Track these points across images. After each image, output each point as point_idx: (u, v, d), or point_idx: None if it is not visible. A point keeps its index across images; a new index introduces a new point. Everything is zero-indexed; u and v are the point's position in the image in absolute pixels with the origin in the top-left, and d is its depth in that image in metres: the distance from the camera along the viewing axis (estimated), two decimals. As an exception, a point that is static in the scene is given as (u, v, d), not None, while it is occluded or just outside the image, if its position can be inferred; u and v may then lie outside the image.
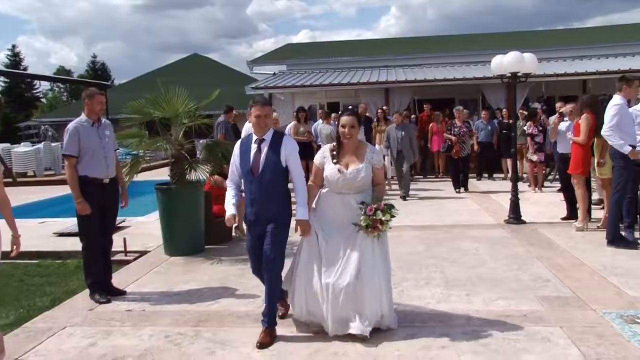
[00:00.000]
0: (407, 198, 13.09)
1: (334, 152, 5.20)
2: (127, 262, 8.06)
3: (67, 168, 6.42)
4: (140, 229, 10.35)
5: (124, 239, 8.44)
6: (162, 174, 11.42)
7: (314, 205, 5.29)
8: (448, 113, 16.62)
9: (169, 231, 8.28)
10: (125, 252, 8.32)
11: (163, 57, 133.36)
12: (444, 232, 9.30)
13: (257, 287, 5.85)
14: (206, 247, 8.58)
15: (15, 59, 59.18)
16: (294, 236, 5.25)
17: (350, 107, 5.56)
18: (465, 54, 22.89)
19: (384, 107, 16.13)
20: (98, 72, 62.73)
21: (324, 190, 5.28)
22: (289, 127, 13.97)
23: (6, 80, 53.23)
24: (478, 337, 4.93)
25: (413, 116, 17.50)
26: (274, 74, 22.66)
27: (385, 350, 4.72)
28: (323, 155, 5.29)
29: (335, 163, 5.13)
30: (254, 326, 5.20)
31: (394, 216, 4.89)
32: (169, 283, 6.91)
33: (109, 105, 24.92)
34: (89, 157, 6.27)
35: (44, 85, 60.20)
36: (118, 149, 6.77)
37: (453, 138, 13.60)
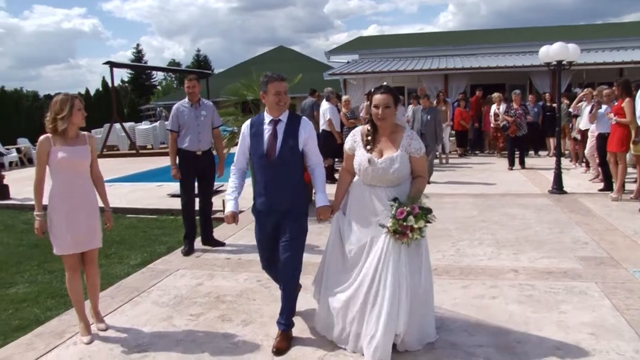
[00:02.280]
0: (431, 182, 10.94)
1: (368, 137, 3.81)
2: (220, 219, 8.20)
3: (169, 141, 6.67)
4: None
5: (223, 201, 8.62)
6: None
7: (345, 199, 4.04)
8: (506, 96, 16.17)
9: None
10: (224, 211, 8.51)
11: (253, 49, 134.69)
12: (495, 200, 9.07)
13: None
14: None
15: (138, 55, 61.47)
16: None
17: (384, 83, 3.99)
18: (514, 45, 22.04)
19: (442, 90, 15.80)
20: (201, 63, 63.85)
21: (355, 180, 3.95)
22: (362, 107, 14.05)
23: (131, 72, 55.27)
24: (523, 289, 4.85)
25: (457, 99, 17.06)
26: (348, 62, 22.46)
27: (442, 297, 4.69)
28: (354, 140, 3.90)
29: (367, 150, 3.78)
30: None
31: (429, 222, 3.59)
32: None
33: (210, 90, 25.55)
34: (185, 132, 6.43)
35: (159, 75, 62.00)
36: (219, 126, 6.87)
37: (509, 119, 13.08)
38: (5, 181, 11.21)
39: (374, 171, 3.71)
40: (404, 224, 3.48)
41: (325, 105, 12.02)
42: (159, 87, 62.86)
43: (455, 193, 9.77)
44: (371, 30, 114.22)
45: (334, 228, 3.96)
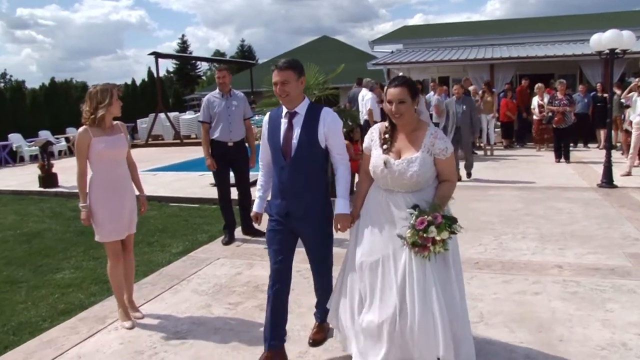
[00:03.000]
0: (471, 176, 10.41)
1: (386, 136, 3.31)
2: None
3: (201, 132, 6.71)
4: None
5: None
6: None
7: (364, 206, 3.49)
8: (553, 86, 15.72)
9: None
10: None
11: (297, 39, 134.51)
12: (540, 193, 8.84)
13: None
14: (333, 198, 8.63)
15: (183, 46, 62.41)
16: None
17: (400, 74, 3.39)
18: (564, 33, 21.31)
19: (488, 80, 15.47)
20: (245, 53, 64.37)
21: (374, 184, 3.42)
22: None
23: (177, 62, 56.22)
24: (568, 286, 4.71)
25: (499, 89, 16.65)
26: (392, 52, 22.21)
27: (483, 292, 4.61)
28: (371, 138, 3.41)
29: (384, 150, 3.29)
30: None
31: (455, 233, 3.08)
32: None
33: (253, 80, 25.73)
34: (216, 123, 6.44)
35: (204, 66, 62.69)
36: (251, 117, 6.88)
37: (554, 109, 12.67)
38: (54, 169, 11.57)
39: (390, 174, 3.21)
40: (425, 235, 2.98)
41: (368, 95, 11.95)
42: (203, 78, 63.68)
43: (499, 185, 9.57)
44: (416, 20, 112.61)
45: (353, 238, 3.48)
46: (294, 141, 3.46)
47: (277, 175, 3.54)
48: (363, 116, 11.77)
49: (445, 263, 3.16)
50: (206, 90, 39.08)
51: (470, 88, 14.52)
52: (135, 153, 19.03)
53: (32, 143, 17.48)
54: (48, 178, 11.33)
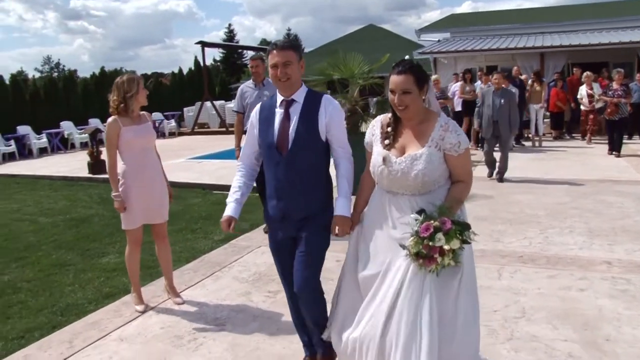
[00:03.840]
0: (504, 179, 9.17)
1: (388, 129, 2.88)
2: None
3: (235, 122, 6.68)
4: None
5: None
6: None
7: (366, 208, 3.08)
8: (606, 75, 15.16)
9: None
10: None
11: (343, 28, 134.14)
12: (590, 186, 8.54)
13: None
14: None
15: (230, 35, 62.97)
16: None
17: (406, 57, 2.73)
18: (619, 19, 20.45)
19: (537, 70, 15.02)
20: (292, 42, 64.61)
21: (377, 185, 2.99)
22: (455, 87, 13.75)
23: (223, 51, 56.85)
24: (616, 283, 4.54)
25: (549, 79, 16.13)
26: (439, 40, 21.84)
27: (526, 286, 4.50)
28: (372, 132, 2.99)
29: (385, 145, 2.85)
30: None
31: (467, 242, 2.60)
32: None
33: (299, 69, 25.75)
34: (248, 113, 6.35)
35: (250, 54, 63.35)
36: None
37: (607, 99, 12.18)
38: (102, 156, 11.89)
39: (390, 174, 2.77)
40: (430, 244, 2.52)
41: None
42: (249, 67, 64.32)
43: (546, 178, 9.30)
44: (465, 8, 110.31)
45: (351, 248, 3.08)
46: (291, 132, 3.03)
47: (272, 172, 3.10)
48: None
49: (452, 272, 2.66)
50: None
51: (522, 77, 14.17)
52: (181, 141, 19.45)
53: (82, 130, 18.02)
54: (96, 165, 11.65)
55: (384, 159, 2.80)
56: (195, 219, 7.34)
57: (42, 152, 17.57)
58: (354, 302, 2.96)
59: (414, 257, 2.59)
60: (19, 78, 21.01)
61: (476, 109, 10.06)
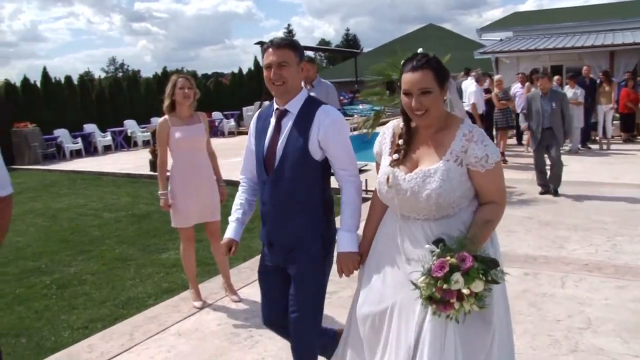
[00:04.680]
0: (559, 192, 8.08)
1: (399, 141, 2.38)
2: (369, 199, 8.27)
3: None
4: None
5: (366, 180, 8.79)
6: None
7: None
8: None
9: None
10: (366, 190, 8.64)
11: (402, 28, 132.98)
12: (662, 192, 8.14)
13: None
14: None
15: (289, 35, 63.84)
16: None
17: (419, 50, 2.29)
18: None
19: (606, 69, 14.44)
20: (350, 42, 64.66)
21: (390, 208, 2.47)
22: (516, 87, 13.38)
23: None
24: (693, 295, 4.29)
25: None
26: (501, 40, 21.34)
27: (592, 296, 4.32)
28: (382, 140, 2.50)
29: (394, 160, 2.35)
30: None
31: (495, 282, 2.07)
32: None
33: (358, 69, 25.72)
34: None
35: (309, 54, 63.92)
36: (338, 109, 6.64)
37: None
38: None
39: (398, 195, 2.29)
40: (445, 287, 2.00)
41: (472, 86, 11.55)
42: (308, 66, 64.79)
43: (615, 182, 8.90)
44: (529, 5, 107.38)
45: (359, 283, 2.62)
46: (279, 149, 2.62)
47: (260, 193, 2.75)
48: (465, 107, 11.40)
49: (483, 321, 2.17)
50: (309, 79, 39.57)
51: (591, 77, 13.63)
52: (241, 140, 19.70)
53: (144, 129, 18.62)
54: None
55: (388, 179, 2.32)
56: (252, 219, 7.38)
57: (107, 149, 18.26)
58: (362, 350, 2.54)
59: (426, 301, 2.08)
60: (86, 78, 21.88)
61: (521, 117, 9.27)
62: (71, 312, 4.69)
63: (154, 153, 12.17)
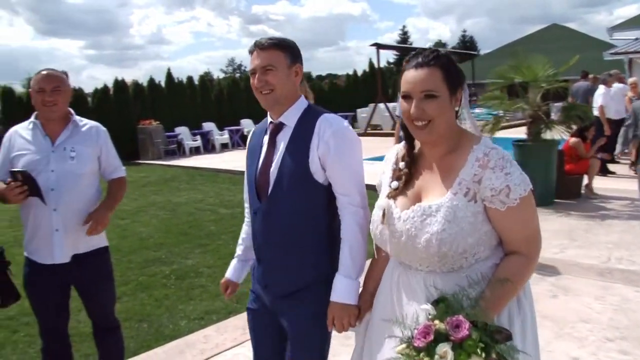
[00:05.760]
0: None
1: (400, 165, 1.91)
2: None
3: (396, 128, 6.54)
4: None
5: None
6: (517, 132, 10.99)
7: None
8: None
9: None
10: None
11: (523, 28, 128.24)
12: None
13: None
14: (556, 200, 8.01)
15: (404, 37, 63.74)
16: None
17: (428, 45, 1.79)
18: None
19: None
20: (467, 44, 63.05)
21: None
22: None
23: (397, 53, 57.33)
24: None
25: None
26: (636, 39, 19.82)
27: None
28: (383, 170, 2.02)
29: (392, 191, 1.87)
30: (597, 279, 4.76)
31: (503, 358, 1.47)
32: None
33: (475, 72, 24.99)
34: None
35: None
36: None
37: None
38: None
39: (393, 237, 1.80)
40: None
41: (600, 88, 10.82)
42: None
43: None
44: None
45: (357, 347, 2.13)
46: (273, 171, 2.16)
47: (252, 224, 2.30)
48: (594, 112, 10.70)
49: None
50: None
51: None
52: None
53: (260, 128, 19.26)
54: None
55: (384, 214, 1.84)
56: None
57: (224, 147, 19.08)
58: None
59: None
60: (205, 79, 22.98)
61: (622, 129, 8.06)
62: (188, 302, 4.91)
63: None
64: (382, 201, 1.88)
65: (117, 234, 7.26)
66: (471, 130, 1.84)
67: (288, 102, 2.18)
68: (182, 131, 18.41)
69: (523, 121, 9.71)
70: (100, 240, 3.07)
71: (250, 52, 2.17)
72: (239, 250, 2.50)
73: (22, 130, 2.99)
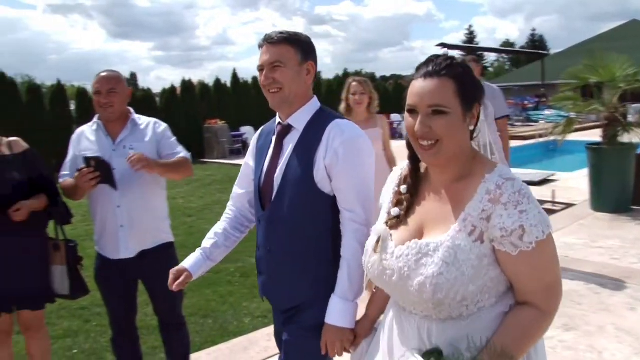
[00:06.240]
0: None
1: (401, 188, 1.65)
2: (554, 211, 7.73)
3: None
4: (569, 183, 9.72)
5: (553, 191, 8.40)
6: (592, 135, 10.57)
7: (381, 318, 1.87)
8: None
9: (597, 188, 7.58)
10: (553, 202, 8.12)
11: (597, 25, 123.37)
12: None
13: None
14: (633, 207, 7.63)
15: (470, 36, 62.75)
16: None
17: (442, 50, 1.48)
18: None
19: None
20: (536, 43, 61.47)
21: None
22: None
23: (463, 53, 56.53)
24: None
25: None
26: None
27: None
28: (386, 190, 1.76)
29: (390, 219, 1.62)
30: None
31: None
32: (592, 236, 6.37)
33: (545, 72, 24.26)
34: None
35: (491, 57, 61.61)
36: (505, 116, 5.42)
37: None
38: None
39: (384, 274, 1.56)
40: None
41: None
42: (490, 69, 62.66)
43: None
44: None
45: None
46: (277, 176, 2.03)
47: (257, 230, 2.17)
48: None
49: None
50: (493, 82, 38.29)
51: None
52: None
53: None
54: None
55: (377, 243, 1.60)
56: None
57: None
58: None
59: None
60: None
61: None
62: (252, 300, 4.97)
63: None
64: (379, 227, 1.65)
65: (183, 230, 7.45)
66: (496, 156, 1.61)
67: (298, 103, 2.04)
68: (247, 130, 18.68)
69: (597, 123, 9.32)
70: (166, 236, 3.14)
71: (260, 47, 2.02)
72: (206, 243, 2.25)
73: (87, 131, 3.09)
